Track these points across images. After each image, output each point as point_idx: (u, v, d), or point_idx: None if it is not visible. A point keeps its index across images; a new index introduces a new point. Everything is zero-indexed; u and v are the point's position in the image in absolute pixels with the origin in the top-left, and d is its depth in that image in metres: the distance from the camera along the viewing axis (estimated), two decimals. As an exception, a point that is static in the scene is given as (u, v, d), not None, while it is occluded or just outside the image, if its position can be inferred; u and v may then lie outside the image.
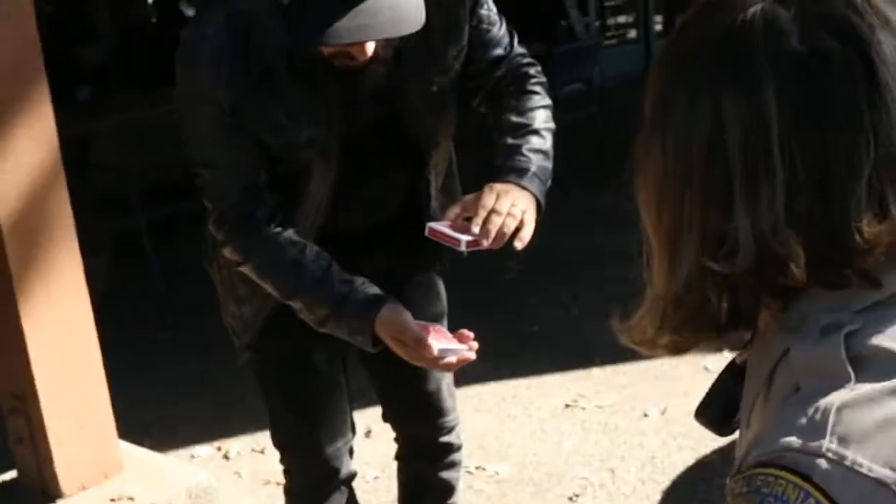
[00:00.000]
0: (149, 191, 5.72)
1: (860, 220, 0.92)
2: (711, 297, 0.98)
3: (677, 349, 1.06)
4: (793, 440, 0.88)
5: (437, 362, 2.05)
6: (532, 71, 2.32)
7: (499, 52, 2.29)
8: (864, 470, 0.85)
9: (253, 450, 3.95)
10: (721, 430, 1.21)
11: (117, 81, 8.06)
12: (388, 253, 2.42)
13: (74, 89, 7.22)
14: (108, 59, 8.27)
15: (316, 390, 2.48)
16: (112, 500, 3.34)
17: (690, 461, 3.65)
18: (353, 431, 2.59)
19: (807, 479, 0.85)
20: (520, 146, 2.19)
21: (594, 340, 4.46)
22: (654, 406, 4.05)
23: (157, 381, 4.62)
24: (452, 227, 2.03)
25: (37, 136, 3.13)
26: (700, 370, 4.18)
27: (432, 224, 2.08)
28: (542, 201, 2.14)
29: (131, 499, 3.34)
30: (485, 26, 2.25)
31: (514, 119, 2.24)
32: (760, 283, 0.96)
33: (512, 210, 2.03)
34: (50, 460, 3.31)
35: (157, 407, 4.37)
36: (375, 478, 3.69)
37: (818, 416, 0.88)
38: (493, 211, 2.02)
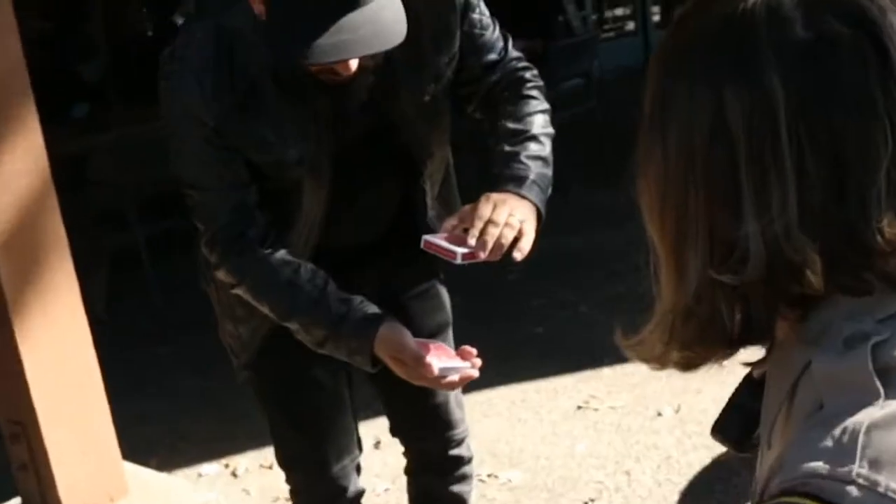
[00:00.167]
0: (147, 206, 5.65)
1: (881, 219, 0.86)
2: (722, 308, 0.92)
3: (688, 365, 1.00)
4: (819, 465, 0.81)
5: (438, 381, 1.98)
6: (528, 75, 2.25)
7: (492, 56, 2.22)
8: None
9: (261, 466, 3.89)
10: (740, 447, 1.15)
11: (114, 97, 8.01)
12: (385, 266, 2.36)
13: (72, 107, 7.17)
14: (104, 76, 8.21)
15: (319, 407, 2.41)
16: (118, 523, 3.28)
17: (707, 460, 3.57)
18: (360, 448, 2.52)
19: None
20: (517, 153, 2.12)
21: (603, 339, 4.34)
22: (667, 404, 3.98)
23: (158, 397, 4.56)
24: (449, 240, 1.96)
25: (25, 157, 3.07)
26: (714, 366, 4.09)
27: (428, 237, 2.00)
28: (543, 210, 2.07)
29: (137, 522, 3.28)
30: (477, 31, 2.18)
31: (511, 125, 2.17)
32: (774, 292, 0.90)
33: (510, 220, 1.96)
34: (53, 485, 3.26)
35: (160, 424, 4.31)
36: (386, 490, 3.62)
37: (846, 438, 0.81)
38: (489, 221, 1.94)
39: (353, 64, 1.92)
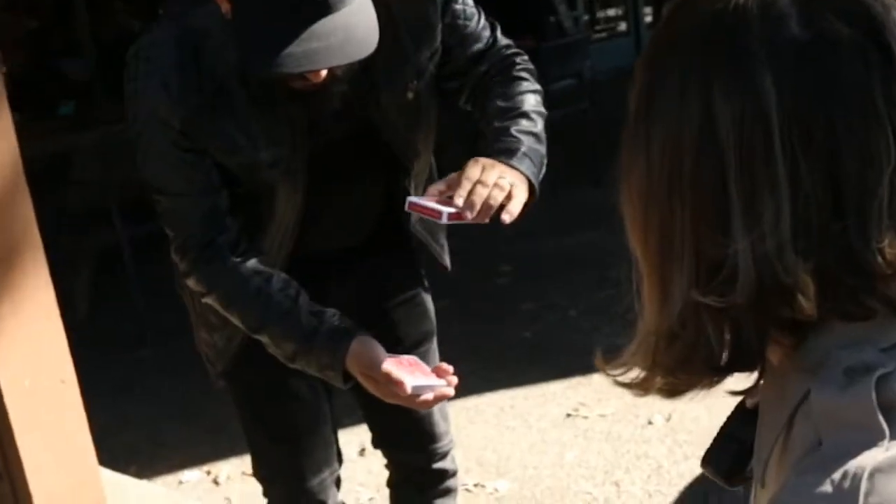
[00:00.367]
0: (131, 206, 5.56)
1: (881, 238, 0.78)
2: (710, 332, 0.84)
3: (672, 392, 0.92)
4: None
5: (412, 400, 1.90)
6: (518, 59, 2.15)
7: (478, 46, 2.13)
8: None
9: (243, 473, 3.80)
10: (731, 481, 1.09)
11: (101, 95, 7.94)
12: (366, 272, 2.28)
13: (58, 104, 7.10)
14: (91, 73, 8.14)
15: (296, 419, 2.33)
16: (94, 534, 3.19)
17: (698, 470, 3.46)
18: (340, 460, 2.44)
19: None
20: (507, 128, 2.01)
21: (593, 345, 4.29)
22: (658, 413, 3.90)
23: (140, 402, 4.48)
24: (435, 201, 1.85)
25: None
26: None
27: (412, 198, 1.90)
28: (536, 184, 1.95)
29: (114, 532, 3.19)
30: (461, 22, 2.10)
31: (501, 104, 2.07)
32: (764, 316, 0.82)
33: (499, 181, 1.85)
34: (28, 495, 3.16)
35: (141, 429, 4.23)
36: (370, 499, 3.55)
37: (847, 484, 0.74)
38: (478, 182, 1.84)
39: (324, 72, 1.84)
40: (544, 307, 5.02)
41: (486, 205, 1.83)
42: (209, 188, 1.96)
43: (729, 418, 1.11)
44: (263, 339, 2.00)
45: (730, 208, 0.80)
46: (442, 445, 2.46)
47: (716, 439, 1.10)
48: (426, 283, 2.42)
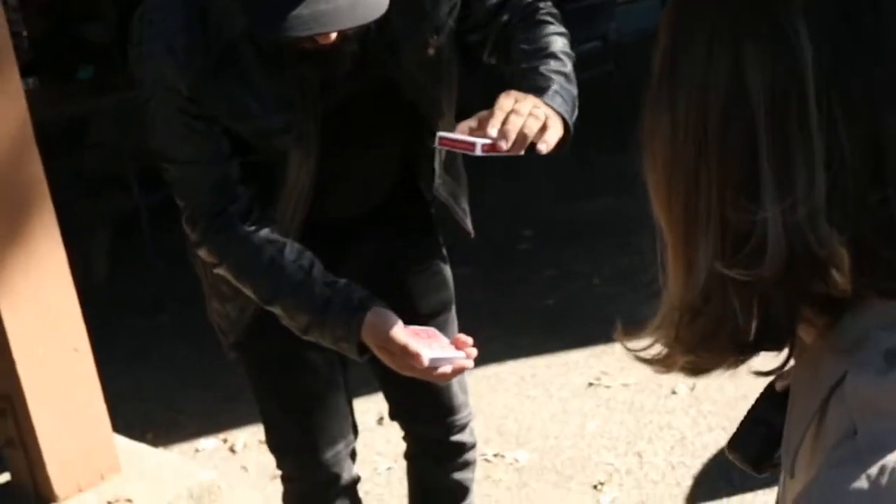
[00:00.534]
0: (148, 172, 5.51)
1: None
2: (736, 307, 0.78)
3: (696, 370, 0.86)
4: None
5: (429, 373, 1.82)
6: (541, 4, 2.06)
7: None
8: None
9: (260, 441, 3.74)
10: (759, 468, 1.03)
11: (120, 59, 7.88)
12: (384, 240, 2.21)
13: (77, 68, 7.04)
14: (110, 37, 8.08)
15: (311, 390, 2.27)
16: (109, 502, 3.16)
17: (722, 441, 3.42)
18: (356, 432, 2.38)
19: None
20: (536, 67, 1.92)
21: (617, 313, 4.22)
22: (682, 382, 3.82)
23: (156, 369, 4.44)
24: (466, 134, 1.76)
25: (6, 118, 2.91)
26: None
27: (442, 133, 1.80)
28: (570, 123, 1.86)
29: (129, 501, 3.16)
30: None
31: (526, 47, 1.98)
32: (794, 291, 0.76)
33: (534, 111, 1.76)
34: (42, 462, 3.14)
35: (158, 396, 4.19)
36: (388, 469, 3.49)
37: (884, 480, 0.68)
38: (512, 112, 1.74)
39: (334, 34, 1.76)
40: (567, 274, 4.94)
41: (521, 134, 1.74)
42: (219, 156, 1.90)
43: (757, 401, 1.06)
44: (276, 310, 1.94)
45: (759, 174, 0.73)
46: (460, 417, 2.40)
47: (743, 423, 1.05)
48: (444, 250, 2.35)
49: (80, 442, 3.18)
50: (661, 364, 0.86)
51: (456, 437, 2.41)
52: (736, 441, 1.06)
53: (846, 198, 0.72)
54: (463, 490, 2.49)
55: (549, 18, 2.04)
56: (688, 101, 0.77)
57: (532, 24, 2.02)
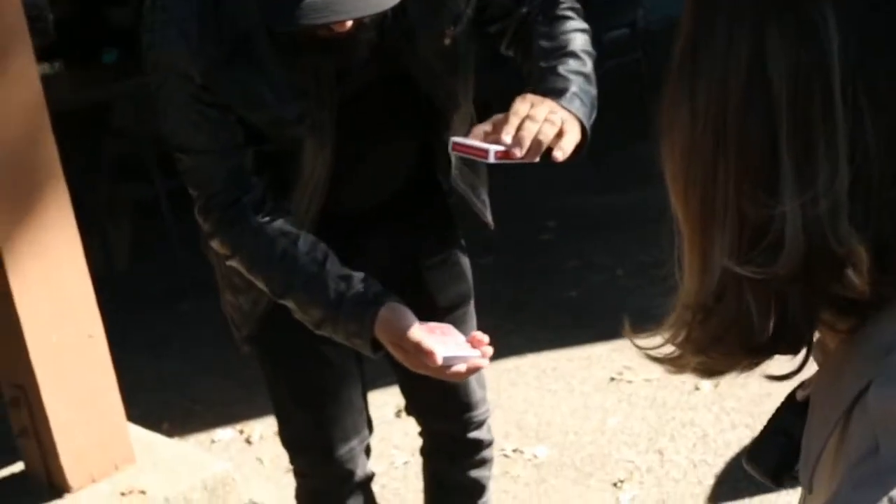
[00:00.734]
0: (169, 159, 5.48)
1: None
2: (752, 307, 0.73)
3: (708, 372, 0.81)
4: None
5: (442, 371, 1.78)
6: None
7: None
8: None
9: (276, 433, 3.70)
10: (778, 480, 0.98)
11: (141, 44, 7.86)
12: (400, 232, 2.16)
13: (101, 52, 7.02)
14: (134, 21, 8.06)
15: (324, 385, 2.23)
16: (122, 493, 3.12)
17: (745, 440, 3.36)
18: (370, 428, 2.34)
19: None
20: (555, 67, 1.87)
21: (641, 306, 4.16)
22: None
23: (176, 358, 4.40)
24: (480, 142, 1.72)
25: (20, 105, 2.87)
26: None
27: (456, 138, 1.76)
28: (588, 126, 1.81)
29: (143, 492, 3.12)
30: None
31: (546, 44, 1.93)
32: (813, 292, 0.71)
33: (550, 117, 1.72)
34: (55, 452, 3.10)
35: (177, 385, 4.16)
36: (405, 463, 3.45)
37: None
38: (527, 117, 1.70)
39: (349, 22, 1.72)
40: (590, 266, 4.87)
41: (535, 141, 1.70)
42: (233, 145, 1.86)
43: (778, 409, 1.01)
44: (289, 304, 1.90)
45: (779, 166, 0.69)
46: (478, 414, 2.35)
47: (762, 433, 1.00)
48: (463, 242, 2.30)
49: (94, 432, 3.14)
50: (673, 364, 0.82)
51: (473, 434, 2.36)
52: (754, 452, 1.01)
53: (869, 193, 0.68)
54: (479, 488, 2.44)
55: (570, 13, 1.98)
56: (708, 90, 0.73)
57: (552, 18, 1.96)
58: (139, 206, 5.54)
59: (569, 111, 1.78)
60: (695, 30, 0.76)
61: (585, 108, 1.83)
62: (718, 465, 3.27)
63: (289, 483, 3.39)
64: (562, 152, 1.72)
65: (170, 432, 3.68)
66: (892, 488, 0.64)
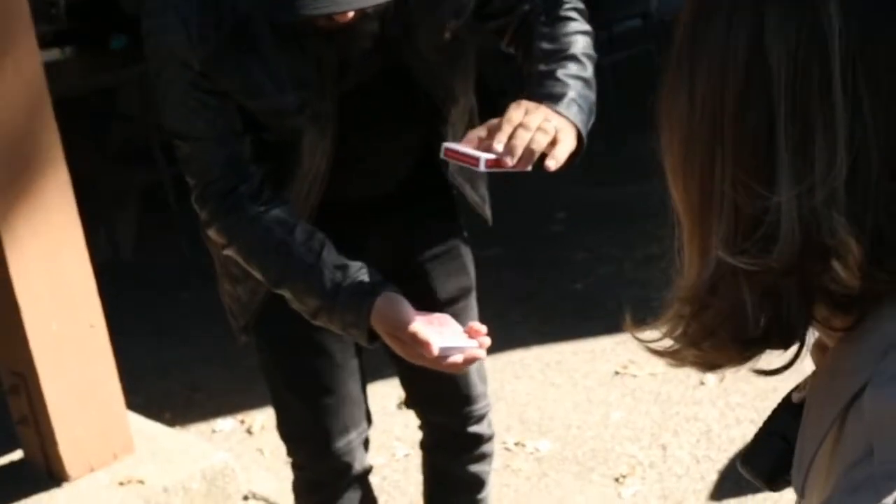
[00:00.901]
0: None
1: None
2: (747, 300, 0.72)
3: (705, 366, 0.80)
4: None
5: (438, 362, 1.76)
6: None
7: None
8: None
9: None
10: (773, 484, 0.95)
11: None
12: (400, 224, 2.14)
13: (110, 38, 7.01)
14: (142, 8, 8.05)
15: (323, 376, 2.20)
16: (121, 483, 3.11)
17: (750, 436, 3.29)
18: (369, 421, 2.32)
19: None
20: (553, 71, 1.85)
21: (647, 299, 4.12)
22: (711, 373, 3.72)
23: (178, 346, 4.38)
24: (472, 147, 1.70)
25: (24, 84, 2.84)
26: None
27: (448, 144, 1.75)
28: (584, 133, 1.79)
29: (141, 482, 3.11)
30: None
31: (546, 46, 1.90)
32: (805, 285, 0.70)
33: (543, 125, 1.69)
34: (54, 441, 3.09)
35: (179, 374, 4.14)
36: (406, 455, 3.42)
37: None
38: (520, 125, 1.67)
39: (351, 12, 1.69)
40: (598, 258, 4.83)
41: (528, 150, 1.67)
42: (231, 133, 1.84)
43: (775, 411, 0.98)
44: (285, 293, 1.89)
45: (776, 154, 0.69)
46: (478, 408, 2.33)
47: (756, 436, 0.97)
48: (465, 234, 2.27)
49: (93, 421, 3.13)
50: (672, 357, 0.82)
51: (473, 429, 2.34)
52: (749, 454, 0.99)
53: (868, 184, 0.66)
54: (479, 482, 2.41)
55: (573, 14, 1.95)
56: (706, 79, 0.73)
57: (555, 19, 1.94)
58: (145, 193, 5.52)
59: (565, 118, 1.76)
60: (695, 17, 0.75)
61: (583, 114, 1.80)
62: (722, 460, 3.24)
63: (288, 475, 3.36)
64: (554, 161, 1.70)
65: (171, 422, 3.67)
66: (885, 495, 0.63)
